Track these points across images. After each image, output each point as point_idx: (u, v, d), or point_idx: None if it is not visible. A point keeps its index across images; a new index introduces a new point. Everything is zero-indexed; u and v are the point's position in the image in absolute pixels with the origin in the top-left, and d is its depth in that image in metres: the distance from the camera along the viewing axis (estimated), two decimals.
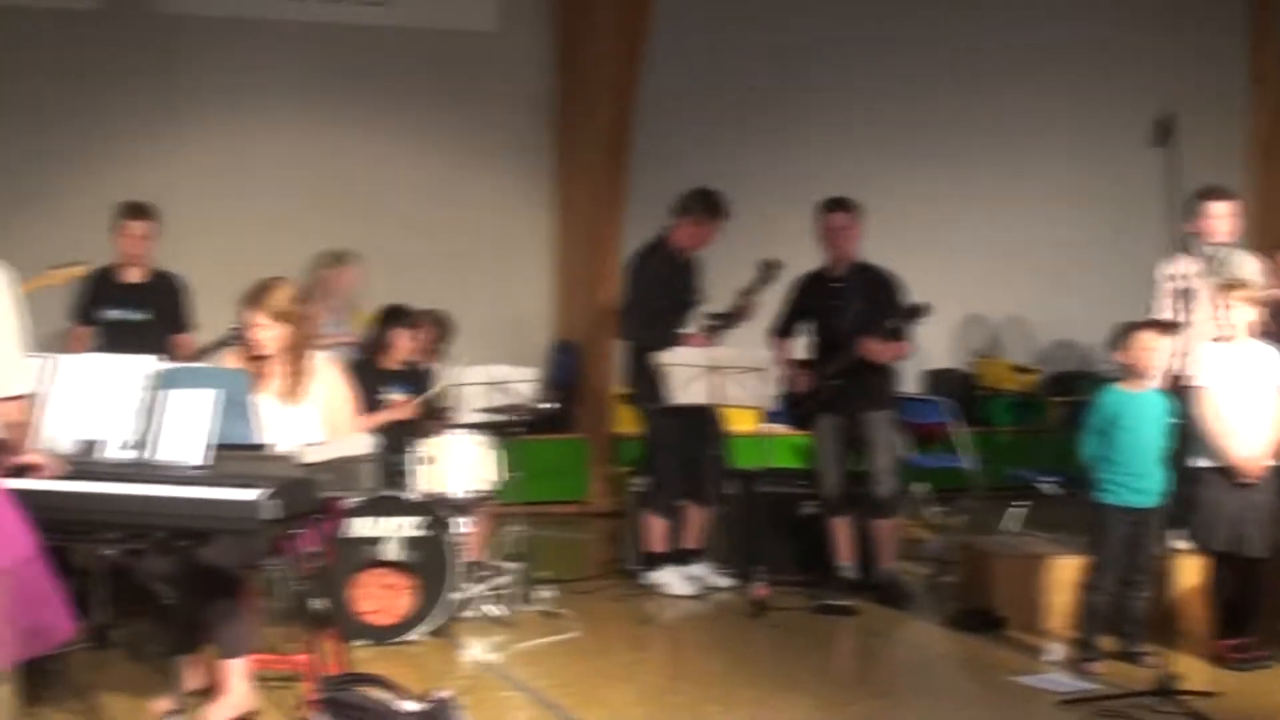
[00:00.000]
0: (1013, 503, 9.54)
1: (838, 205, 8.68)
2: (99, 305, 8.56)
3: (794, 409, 8.91)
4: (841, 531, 8.74)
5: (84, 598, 5.28)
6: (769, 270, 8.79)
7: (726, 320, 8.84)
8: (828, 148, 13.21)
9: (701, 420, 8.72)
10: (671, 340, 8.65)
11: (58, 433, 5.31)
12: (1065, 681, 6.89)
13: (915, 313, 8.33)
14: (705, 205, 8.83)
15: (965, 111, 13.83)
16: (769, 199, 12.11)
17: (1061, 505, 9.28)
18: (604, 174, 12.01)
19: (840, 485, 8.72)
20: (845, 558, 8.74)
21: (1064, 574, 7.72)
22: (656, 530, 8.91)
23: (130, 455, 5.28)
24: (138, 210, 8.51)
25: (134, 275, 8.61)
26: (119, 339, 8.19)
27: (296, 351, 6.34)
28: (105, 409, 5.36)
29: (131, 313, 8.54)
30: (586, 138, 12.27)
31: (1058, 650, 7.37)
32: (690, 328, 8.81)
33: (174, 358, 7.94)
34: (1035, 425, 13.18)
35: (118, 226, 8.50)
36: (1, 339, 4.42)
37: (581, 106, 12.39)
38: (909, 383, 12.21)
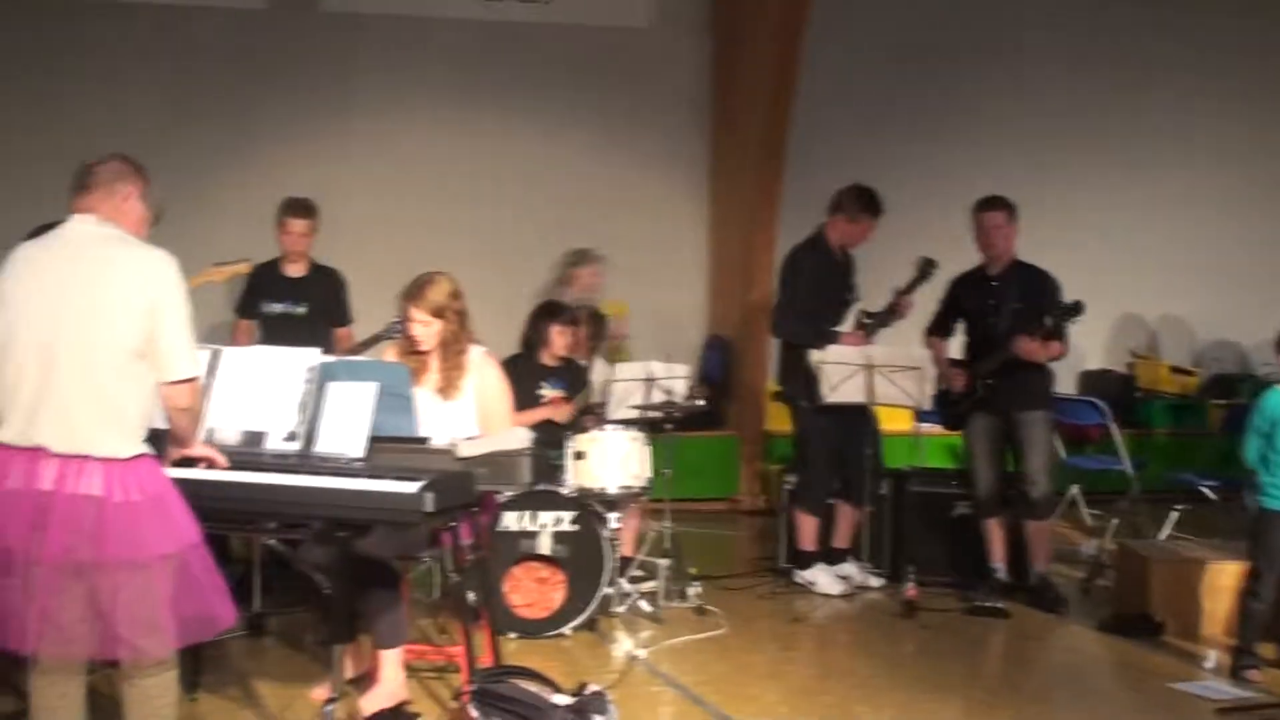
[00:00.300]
0: (1173, 507, 9.37)
1: (993, 204, 8.58)
2: (261, 299, 8.73)
3: (948, 409, 8.84)
4: (994, 533, 8.65)
5: (241, 586, 5.40)
6: (925, 268, 8.74)
7: (881, 318, 8.79)
8: (982, 146, 13.08)
9: (855, 419, 8.68)
10: (827, 337, 8.63)
11: (222, 423, 5.42)
12: (1223, 689, 6.78)
13: (1070, 311, 8.22)
14: (860, 202, 8.79)
15: (1123, 108, 13.63)
16: (923, 198, 12.03)
17: (1221, 510, 9.13)
18: (759, 173, 11.98)
19: (993, 486, 8.63)
20: (997, 559, 8.65)
21: (1223, 579, 7.61)
22: (807, 528, 8.89)
23: (292, 447, 5.36)
24: (300, 207, 8.66)
25: (295, 270, 8.76)
26: (280, 332, 8.36)
27: (454, 346, 6.41)
28: (268, 401, 5.45)
29: (292, 306, 8.69)
30: (742, 137, 12.25)
31: (1215, 657, 7.25)
32: (845, 325, 8.77)
33: (333, 351, 8.11)
34: (1194, 428, 12.96)
35: (281, 223, 8.65)
36: (170, 324, 4.53)
37: (737, 105, 12.36)
38: (1065, 383, 12.06)
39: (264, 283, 8.72)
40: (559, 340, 8.59)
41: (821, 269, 8.79)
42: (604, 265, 10.04)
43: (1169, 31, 13.65)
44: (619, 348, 10.47)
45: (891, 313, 8.78)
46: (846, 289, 8.89)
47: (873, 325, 8.78)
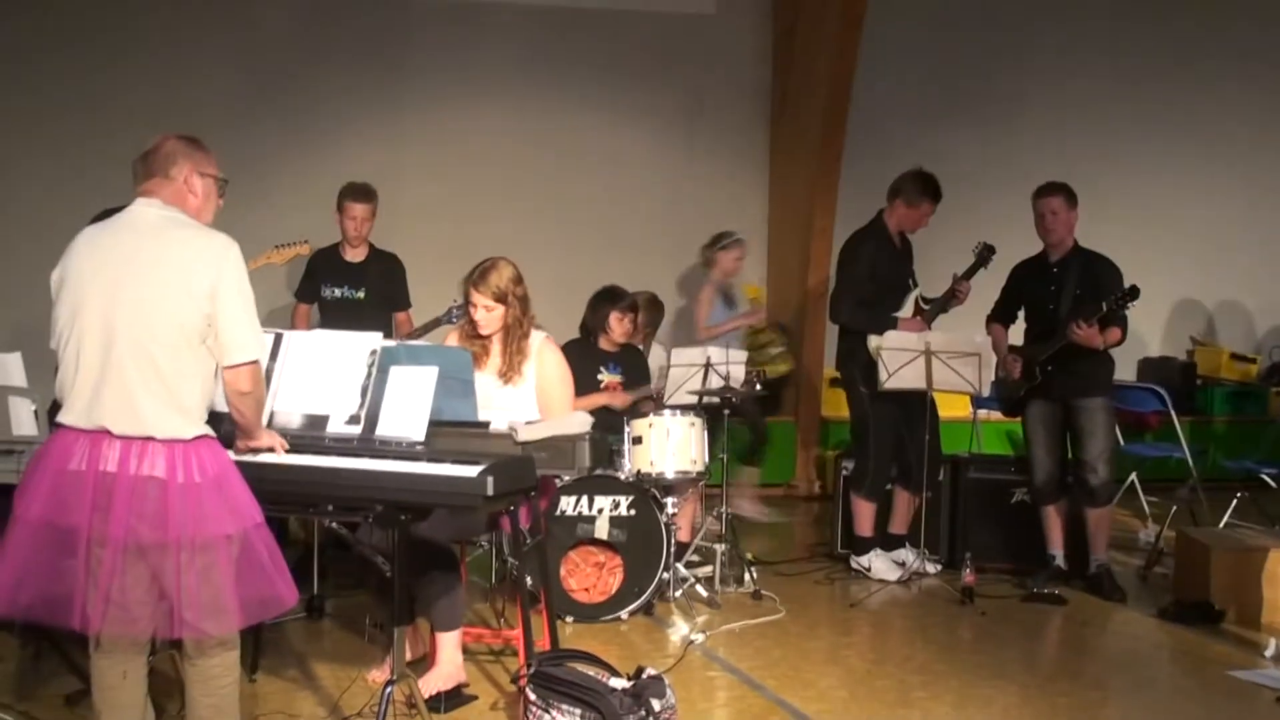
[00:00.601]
0: (1235, 494, 9.31)
1: (1051, 190, 8.52)
2: (321, 283, 8.78)
3: (1007, 395, 8.80)
4: (1052, 520, 8.62)
5: (300, 569, 5.43)
6: (984, 254, 8.72)
7: (940, 304, 8.77)
8: (1042, 132, 13.04)
9: (914, 405, 8.64)
10: (885, 323, 8.61)
11: (284, 407, 5.45)
12: None
13: (1126, 297, 8.14)
14: (919, 186, 8.77)
15: (1183, 93, 13.54)
16: (982, 184, 11.99)
17: None
18: (818, 159, 11.92)
19: (1052, 473, 8.59)
20: (1055, 547, 8.62)
21: None
22: (864, 514, 8.87)
23: (354, 430, 5.38)
24: (361, 192, 8.69)
25: (355, 255, 8.80)
26: (339, 316, 8.42)
27: (517, 331, 6.43)
28: (330, 384, 5.47)
29: (352, 291, 8.73)
30: (802, 124, 12.20)
31: (1276, 645, 7.19)
32: (905, 311, 8.74)
33: (393, 336, 8.15)
34: (1254, 415, 12.86)
35: (341, 207, 8.69)
36: (233, 306, 4.54)
37: (797, 92, 12.31)
38: (1125, 371, 11.98)
39: (324, 267, 8.77)
40: (618, 326, 8.61)
41: (880, 254, 8.77)
42: (745, 248, 10.32)
43: (1225, 18, 13.54)
44: (762, 335, 10.50)
45: (950, 298, 8.77)
46: (905, 275, 8.87)
47: (931, 311, 8.76)
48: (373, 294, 8.76)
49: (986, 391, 8.66)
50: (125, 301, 4.46)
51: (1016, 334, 8.91)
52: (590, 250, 11.81)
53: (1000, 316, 8.92)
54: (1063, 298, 8.42)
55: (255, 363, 4.66)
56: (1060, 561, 8.60)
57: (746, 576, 8.38)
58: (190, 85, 11.10)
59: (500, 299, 6.37)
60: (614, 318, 8.59)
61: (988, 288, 8.89)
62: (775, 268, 12.73)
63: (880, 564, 8.81)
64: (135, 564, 4.39)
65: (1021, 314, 8.86)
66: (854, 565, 8.93)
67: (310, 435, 5.36)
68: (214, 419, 4.65)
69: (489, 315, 6.39)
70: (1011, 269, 8.85)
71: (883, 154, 11.00)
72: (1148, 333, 13.18)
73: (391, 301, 8.86)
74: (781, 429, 12.17)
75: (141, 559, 4.39)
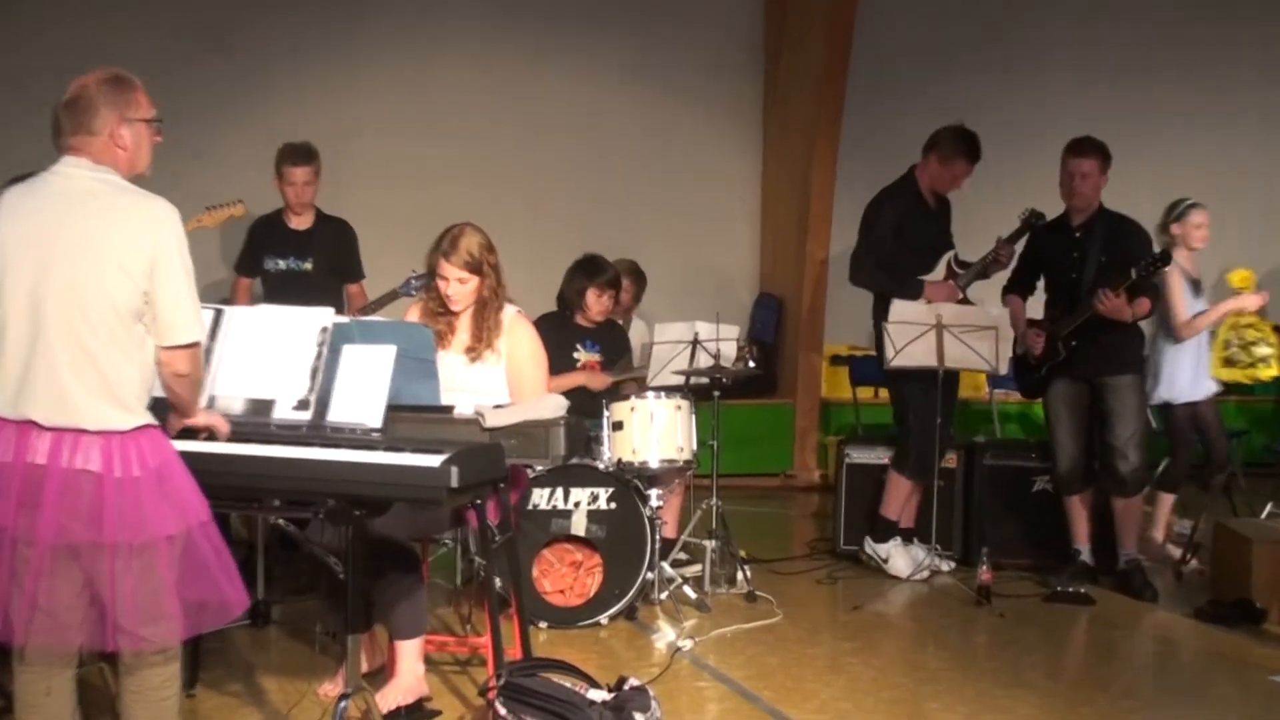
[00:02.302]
0: None
1: (1085, 149, 8.50)
2: (264, 254, 8.78)
3: (1026, 374, 8.82)
4: (1078, 511, 8.67)
5: (244, 571, 5.42)
6: (1031, 220, 8.74)
7: (978, 268, 8.79)
8: (1068, 82, 13.02)
9: (947, 382, 8.69)
10: (911, 286, 8.65)
11: (225, 391, 5.46)
12: None
13: (1156, 263, 8.16)
14: (956, 143, 8.79)
15: (1231, 37, 13.51)
16: (1000, 139, 11.92)
17: None
18: (816, 113, 11.94)
19: (1077, 459, 8.63)
20: (1082, 541, 8.68)
21: None
22: (899, 493, 8.92)
23: (302, 416, 5.39)
24: (300, 154, 8.65)
25: (300, 222, 8.79)
26: (284, 290, 8.41)
27: (492, 304, 6.43)
28: (276, 366, 5.47)
29: (298, 261, 8.73)
30: (798, 75, 12.23)
31: None
32: (937, 275, 8.75)
33: (345, 311, 8.16)
34: None
35: (280, 172, 8.66)
36: (174, 282, 4.52)
37: (793, 40, 12.34)
38: None
39: (266, 236, 8.78)
40: (596, 304, 8.62)
41: (907, 213, 8.79)
42: (1206, 211, 9.44)
43: None
44: (1249, 328, 9.89)
45: (992, 263, 8.81)
46: (939, 237, 8.91)
47: (967, 276, 8.79)
48: (321, 265, 8.76)
49: (1004, 370, 8.70)
50: (53, 279, 4.42)
51: (1036, 307, 8.92)
52: (565, 216, 11.84)
53: (1018, 286, 8.95)
54: (1087, 265, 8.45)
55: (196, 344, 4.66)
56: (1086, 557, 8.66)
57: (739, 576, 8.40)
58: (121, 25, 10.99)
59: (474, 269, 6.35)
60: (592, 294, 8.60)
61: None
62: (770, 233, 12.78)
63: (900, 559, 8.85)
64: (66, 566, 4.39)
65: (1042, 284, 8.88)
66: (866, 552, 8.98)
67: (254, 422, 5.36)
68: (156, 406, 4.64)
69: (462, 289, 6.37)
70: (1030, 233, 8.87)
71: (890, 101, 11.01)
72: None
73: (342, 273, 8.87)
74: (778, 412, 12.21)
75: (73, 561, 4.39)
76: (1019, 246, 8.88)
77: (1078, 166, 8.48)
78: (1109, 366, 8.45)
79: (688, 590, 8.16)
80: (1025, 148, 10.42)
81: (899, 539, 8.93)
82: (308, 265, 8.74)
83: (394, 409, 5.41)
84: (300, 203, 8.70)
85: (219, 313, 5.55)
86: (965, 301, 8.84)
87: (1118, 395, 8.43)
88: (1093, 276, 8.40)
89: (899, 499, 8.93)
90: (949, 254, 8.86)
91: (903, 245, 8.77)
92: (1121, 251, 8.37)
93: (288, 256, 8.73)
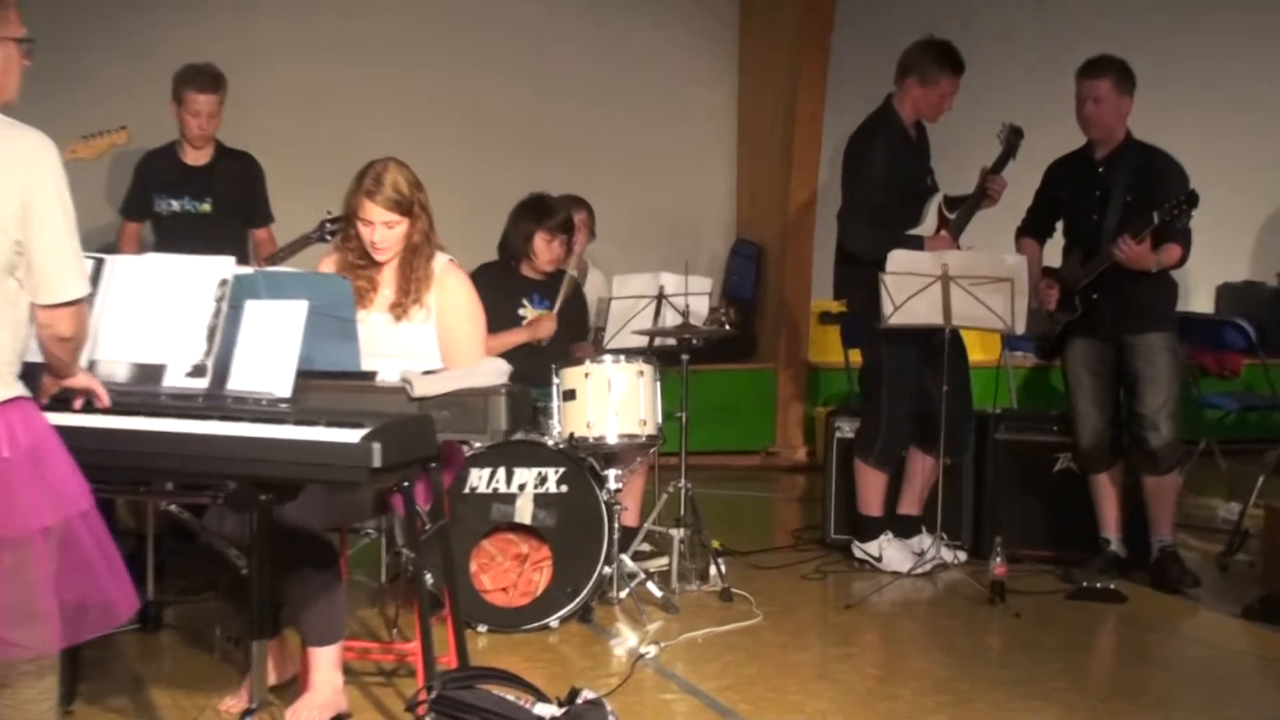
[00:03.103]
0: None
1: (1097, 69, 8.48)
2: (154, 194, 8.75)
3: (1042, 332, 8.80)
4: (1105, 492, 8.66)
5: (131, 567, 5.38)
6: (1011, 139, 8.74)
7: (968, 207, 8.77)
8: None
9: (934, 346, 8.65)
10: (909, 245, 8.59)
11: (108, 354, 5.42)
12: None
13: (1184, 204, 8.10)
14: (932, 57, 8.75)
15: None
16: (1010, 59, 12.01)
17: None
18: (800, 29, 11.94)
19: (1102, 431, 8.62)
20: (1110, 529, 8.68)
21: None
22: (871, 487, 8.89)
23: (198, 384, 5.36)
24: (206, 78, 8.61)
25: (197, 157, 8.77)
26: (179, 236, 8.40)
27: (423, 251, 6.35)
28: (167, 325, 5.43)
29: (195, 203, 8.72)
30: None
31: None
32: (928, 225, 8.73)
33: (250, 260, 8.13)
34: None
35: (180, 98, 8.62)
36: (52, 228, 4.45)
37: None
38: (1199, 299, 12.07)
39: (157, 173, 8.76)
40: (545, 251, 8.53)
41: (895, 152, 8.75)
42: None
43: None
44: None
45: (981, 198, 8.77)
46: (923, 176, 8.89)
47: (959, 219, 8.77)
48: (221, 206, 8.74)
49: (1021, 329, 8.60)
50: None
51: (1054, 253, 8.92)
52: (508, 151, 11.81)
53: (1033, 229, 8.94)
54: (1110, 205, 8.42)
55: (81, 301, 4.59)
56: (1116, 547, 8.66)
57: (712, 571, 8.41)
58: None
59: (404, 210, 6.23)
60: (540, 240, 8.51)
61: (1019, 190, 8.90)
62: (748, 172, 12.78)
63: (894, 552, 8.83)
64: None
65: (1060, 227, 8.88)
66: (857, 554, 8.98)
67: (142, 391, 5.35)
68: (29, 373, 4.60)
69: (389, 234, 6.26)
70: (1046, 168, 8.88)
71: (885, 14, 11.01)
72: (1231, 252, 13.24)
73: (246, 215, 8.86)
74: (758, 379, 12.22)
75: None
76: (1008, 176, 8.84)
77: (1090, 90, 8.45)
78: (1134, 323, 8.41)
79: (652, 587, 8.16)
80: (1040, 70, 10.41)
81: (889, 533, 8.91)
82: (206, 207, 8.72)
83: (306, 375, 5.39)
84: (202, 136, 8.67)
85: (99, 262, 5.51)
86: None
87: (1145, 356, 8.40)
88: (1116, 219, 8.38)
89: (875, 491, 8.90)
90: (937, 198, 8.83)
91: (892, 194, 8.73)
92: (1150, 189, 8.33)
93: (182, 196, 8.71)
